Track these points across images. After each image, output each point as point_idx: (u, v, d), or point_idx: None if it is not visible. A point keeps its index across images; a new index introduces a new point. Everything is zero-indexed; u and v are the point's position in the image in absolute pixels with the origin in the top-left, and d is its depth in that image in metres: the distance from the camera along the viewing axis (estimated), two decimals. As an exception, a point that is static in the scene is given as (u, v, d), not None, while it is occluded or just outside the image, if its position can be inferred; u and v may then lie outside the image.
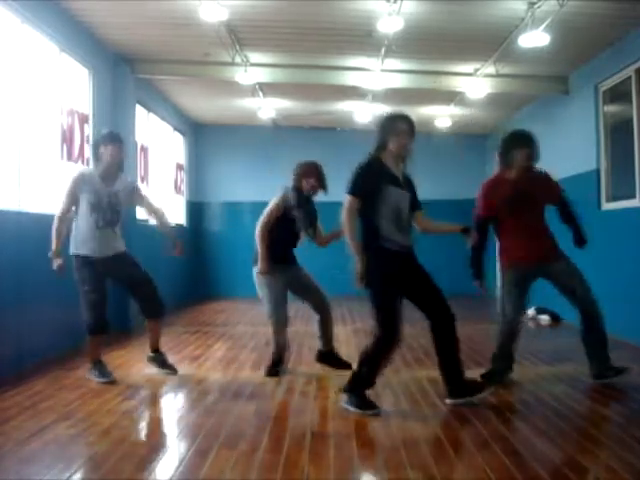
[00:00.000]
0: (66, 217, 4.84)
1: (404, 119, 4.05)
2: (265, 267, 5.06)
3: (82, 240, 4.81)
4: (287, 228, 5.10)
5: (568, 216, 4.92)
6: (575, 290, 4.69)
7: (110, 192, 4.87)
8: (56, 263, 4.70)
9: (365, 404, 3.96)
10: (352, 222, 3.97)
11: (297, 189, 5.11)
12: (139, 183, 5.18)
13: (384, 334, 3.93)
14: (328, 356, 5.26)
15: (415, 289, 4.11)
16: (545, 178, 5.07)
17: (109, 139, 4.86)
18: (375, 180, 3.97)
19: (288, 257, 5.26)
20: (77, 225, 4.85)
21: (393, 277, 3.99)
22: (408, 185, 4.16)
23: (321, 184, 5.13)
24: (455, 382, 4.14)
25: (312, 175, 5.10)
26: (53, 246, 4.71)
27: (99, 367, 4.89)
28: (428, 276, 4.15)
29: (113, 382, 4.78)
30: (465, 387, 4.15)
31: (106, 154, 4.83)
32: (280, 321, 5.11)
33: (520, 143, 4.80)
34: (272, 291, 5.10)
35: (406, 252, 4.10)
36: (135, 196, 5.13)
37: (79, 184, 4.81)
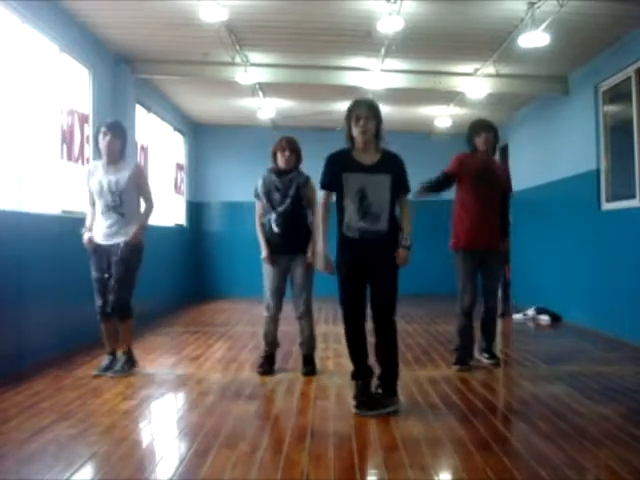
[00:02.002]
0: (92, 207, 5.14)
1: (356, 104, 4.07)
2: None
3: (94, 226, 5.08)
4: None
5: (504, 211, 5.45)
6: (488, 282, 5.34)
7: (110, 179, 5.00)
8: (85, 236, 5.05)
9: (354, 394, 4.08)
10: (324, 215, 4.13)
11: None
12: (139, 165, 5.36)
13: (342, 312, 4.11)
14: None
15: (370, 278, 4.07)
16: (504, 168, 5.58)
17: (102, 130, 5.04)
18: (336, 170, 4.06)
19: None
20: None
21: (347, 264, 4.06)
22: (386, 168, 4.07)
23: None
24: (386, 389, 4.09)
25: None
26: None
27: (104, 358, 5.13)
28: (382, 270, 4.05)
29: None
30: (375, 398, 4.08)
31: (102, 144, 5.04)
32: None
33: (478, 130, 5.31)
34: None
35: (371, 238, 4.01)
36: (136, 179, 5.06)
37: (86, 176, 5.14)
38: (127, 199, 4.99)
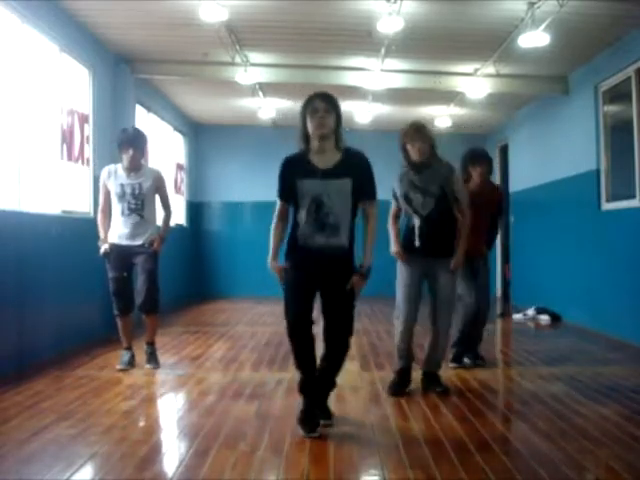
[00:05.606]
0: (103, 209, 5.31)
1: (313, 96, 3.58)
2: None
3: (112, 228, 5.25)
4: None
5: (493, 223, 5.52)
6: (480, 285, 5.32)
7: (133, 183, 5.19)
8: (102, 249, 5.25)
9: (299, 419, 3.60)
10: (277, 225, 3.70)
11: None
12: (162, 174, 5.53)
13: (286, 326, 3.63)
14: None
15: (324, 298, 3.64)
16: (498, 193, 5.69)
17: (124, 146, 5.20)
18: (289, 177, 3.59)
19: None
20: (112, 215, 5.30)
21: (297, 279, 3.59)
22: (347, 170, 3.54)
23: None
24: (319, 403, 3.71)
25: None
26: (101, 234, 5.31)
27: (123, 354, 5.33)
28: (340, 293, 3.58)
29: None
30: (325, 410, 3.74)
31: (125, 158, 5.22)
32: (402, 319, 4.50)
33: (474, 162, 5.34)
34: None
35: (328, 254, 3.55)
36: (157, 186, 5.36)
37: (104, 178, 5.27)
38: (147, 202, 5.27)
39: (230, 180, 12.33)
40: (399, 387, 4.46)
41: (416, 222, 4.44)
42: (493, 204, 5.43)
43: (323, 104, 3.51)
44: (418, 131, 4.42)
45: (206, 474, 2.94)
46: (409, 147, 4.42)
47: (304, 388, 3.68)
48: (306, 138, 3.59)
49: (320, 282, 3.60)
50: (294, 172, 3.58)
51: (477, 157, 5.36)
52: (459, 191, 4.49)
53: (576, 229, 8.05)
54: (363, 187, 3.58)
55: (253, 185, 11.82)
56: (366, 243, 3.63)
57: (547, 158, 9.21)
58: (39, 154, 5.91)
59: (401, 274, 4.52)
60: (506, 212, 11.31)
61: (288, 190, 3.60)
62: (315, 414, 3.61)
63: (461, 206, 4.48)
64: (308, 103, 3.55)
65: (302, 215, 3.54)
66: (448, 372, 5.13)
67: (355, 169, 3.56)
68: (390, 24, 6.24)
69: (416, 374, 4.59)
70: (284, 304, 3.63)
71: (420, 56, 7.85)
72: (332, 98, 3.58)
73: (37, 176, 5.85)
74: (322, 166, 3.55)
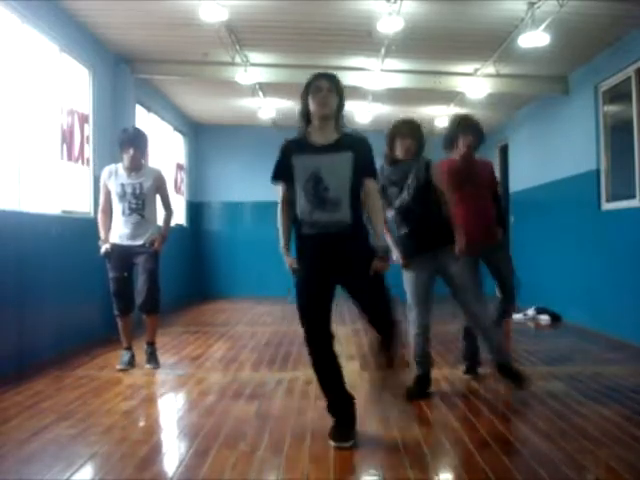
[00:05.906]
0: (104, 209, 5.31)
1: (317, 76, 3.44)
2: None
3: (113, 228, 5.27)
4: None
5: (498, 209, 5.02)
6: (504, 278, 4.86)
7: (134, 183, 5.21)
8: (103, 248, 5.27)
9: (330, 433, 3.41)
10: (282, 210, 3.49)
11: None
12: (162, 174, 5.57)
13: (303, 331, 3.40)
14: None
15: (346, 283, 3.41)
16: (488, 167, 5.10)
17: (125, 145, 5.22)
18: (286, 156, 3.41)
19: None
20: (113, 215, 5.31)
21: (304, 270, 3.38)
22: (345, 146, 3.38)
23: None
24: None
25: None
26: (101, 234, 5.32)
27: (124, 354, 5.32)
28: (360, 277, 3.35)
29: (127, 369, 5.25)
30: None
31: (126, 157, 5.24)
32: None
33: (465, 129, 4.71)
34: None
35: (330, 232, 3.32)
36: (157, 186, 5.37)
37: (104, 178, 5.28)
38: (148, 202, 5.29)
39: (230, 180, 12.34)
40: (416, 393, 4.34)
41: (398, 216, 4.35)
42: (480, 181, 4.82)
43: (327, 83, 3.38)
44: (412, 128, 4.35)
45: (206, 474, 2.95)
46: (398, 141, 4.33)
47: (332, 409, 3.50)
48: (306, 118, 3.46)
49: (335, 270, 3.35)
50: (291, 150, 3.42)
51: (469, 125, 4.73)
52: (437, 180, 4.36)
53: (576, 229, 8.05)
54: (363, 164, 3.39)
55: (253, 185, 11.81)
56: (374, 218, 3.42)
57: (547, 158, 9.21)
58: (39, 154, 5.91)
59: (407, 279, 4.41)
60: (506, 212, 11.33)
61: (284, 168, 3.41)
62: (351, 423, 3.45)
63: (443, 195, 4.36)
64: (312, 81, 3.42)
65: (300, 192, 3.35)
66: (449, 372, 5.14)
67: (354, 145, 3.40)
68: (390, 24, 6.24)
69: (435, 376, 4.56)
70: (297, 304, 3.40)
71: (420, 56, 7.86)
72: (336, 79, 3.46)
73: (37, 176, 5.85)
74: (320, 142, 3.40)
